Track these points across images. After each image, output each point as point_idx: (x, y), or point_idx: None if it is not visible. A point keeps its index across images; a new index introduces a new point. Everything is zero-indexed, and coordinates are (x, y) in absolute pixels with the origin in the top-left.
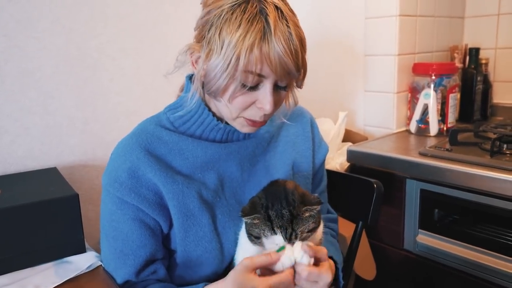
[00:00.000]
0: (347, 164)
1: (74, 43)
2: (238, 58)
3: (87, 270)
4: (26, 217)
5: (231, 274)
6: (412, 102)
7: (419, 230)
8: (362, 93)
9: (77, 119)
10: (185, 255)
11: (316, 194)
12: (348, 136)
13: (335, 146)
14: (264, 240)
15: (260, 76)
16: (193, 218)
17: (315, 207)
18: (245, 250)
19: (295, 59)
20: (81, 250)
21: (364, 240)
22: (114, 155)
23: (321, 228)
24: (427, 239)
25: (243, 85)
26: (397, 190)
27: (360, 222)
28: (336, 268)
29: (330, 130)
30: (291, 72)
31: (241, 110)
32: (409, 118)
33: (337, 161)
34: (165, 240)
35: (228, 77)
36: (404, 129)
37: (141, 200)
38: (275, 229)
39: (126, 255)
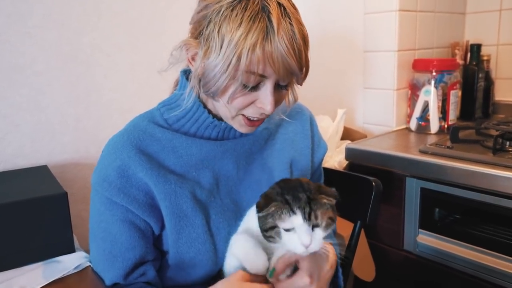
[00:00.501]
0: (345, 162)
1: (67, 38)
2: (239, 58)
3: (75, 271)
4: (13, 216)
5: (225, 282)
6: (412, 99)
7: (420, 230)
8: (362, 90)
9: (70, 116)
10: (178, 257)
11: (333, 188)
12: (347, 134)
13: (333, 144)
14: (281, 226)
15: (262, 77)
16: (186, 219)
17: (331, 198)
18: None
19: (298, 58)
20: (70, 250)
21: (363, 240)
22: (104, 153)
23: None
24: (427, 239)
25: (244, 86)
26: (397, 188)
27: (359, 222)
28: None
29: (328, 128)
30: (294, 72)
31: (240, 109)
32: (409, 116)
33: (335, 159)
34: (156, 241)
35: (228, 77)
36: (404, 126)
37: (130, 201)
38: (294, 209)
39: (114, 257)
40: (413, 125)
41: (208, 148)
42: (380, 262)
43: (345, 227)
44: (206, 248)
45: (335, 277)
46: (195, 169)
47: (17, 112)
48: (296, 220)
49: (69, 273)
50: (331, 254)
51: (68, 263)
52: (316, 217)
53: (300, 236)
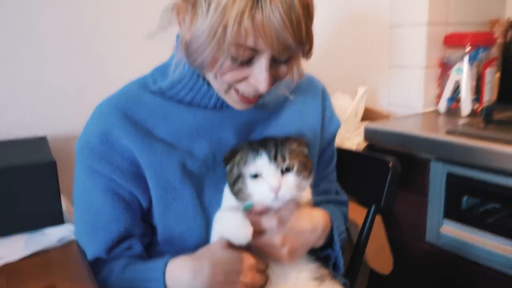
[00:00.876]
0: (364, 145)
1: (71, 3)
2: (225, 28)
3: (58, 244)
4: None
5: (206, 249)
6: (443, 78)
7: (444, 220)
8: (386, 69)
9: (73, 87)
10: (166, 232)
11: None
12: (368, 116)
13: (352, 125)
14: (246, 172)
15: (254, 50)
16: (173, 192)
17: (302, 145)
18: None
19: (296, 31)
20: (58, 221)
21: (380, 230)
22: (89, 119)
23: (308, 190)
24: (453, 230)
25: (233, 59)
26: (420, 174)
27: (373, 206)
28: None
29: (347, 107)
30: (291, 47)
31: (231, 84)
32: (439, 97)
33: (353, 141)
34: (146, 216)
35: (214, 50)
36: (432, 109)
37: (113, 169)
38: (259, 151)
39: (97, 229)
40: (442, 107)
41: (204, 116)
42: (398, 255)
43: (359, 214)
44: (197, 224)
45: (335, 259)
46: (188, 138)
47: (18, 80)
48: (261, 161)
49: (52, 246)
50: (320, 217)
51: (52, 236)
52: (284, 159)
53: (267, 178)
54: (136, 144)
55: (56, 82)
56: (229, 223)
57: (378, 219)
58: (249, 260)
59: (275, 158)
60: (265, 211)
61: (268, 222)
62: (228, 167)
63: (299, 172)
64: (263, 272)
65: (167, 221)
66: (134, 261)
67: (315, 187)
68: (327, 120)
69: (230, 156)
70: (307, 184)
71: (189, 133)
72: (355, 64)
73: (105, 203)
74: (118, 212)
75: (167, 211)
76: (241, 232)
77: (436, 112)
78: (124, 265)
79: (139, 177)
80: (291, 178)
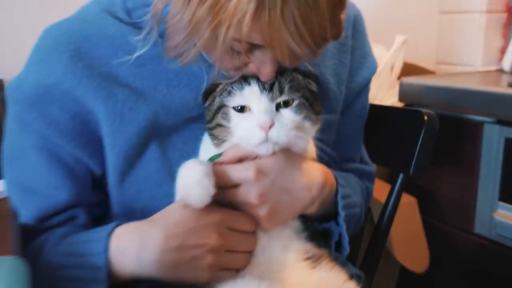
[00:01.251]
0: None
1: None
2: (217, 29)
3: None
4: None
5: (164, 211)
6: (509, 27)
7: (500, 203)
8: (436, 16)
9: (37, 27)
10: (124, 205)
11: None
12: (409, 73)
13: (386, 82)
14: (230, 104)
15: (255, 45)
16: (134, 155)
17: (309, 79)
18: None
19: (316, 41)
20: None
21: (414, 217)
22: (32, 51)
23: (312, 146)
24: (510, 217)
25: (230, 48)
26: (469, 141)
27: (400, 176)
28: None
29: (381, 59)
30: (307, 57)
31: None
32: (503, 51)
33: (387, 102)
34: (99, 183)
35: (200, 39)
36: (494, 68)
37: (48, 123)
38: (249, 79)
39: (30, 192)
40: (507, 63)
41: None
42: (438, 249)
43: (385, 191)
44: (164, 193)
45: (339, 236)
46: (165, 84)
47: None
48: (250, 90)
49: None
50: (317, 172)
51: None
52: (281, 90)
53: (256, 112)
54: (87, 90)
55: (19, 18)
56: (186, 179)
57: (412, 201)
58: (215, 215)
59: (270, 89)
60: (234, 160)
61: (243, 173)
62: (208, 102)
63: (300, 109)
64: (248, 233)
65: (126, 191)
66: (74, 231)
67: (333, 151)
68: (358, 60)
69: (211, 89)
70: (311, 129)
71: (167, 79)
72: (396, 10)
73: (40, 164)
74: (56, 179)
75: (125, 180)
76: (196, 191)
77: (499, 71)
78: (60, 236)
79: (86, 136)
80: (288, 114)
